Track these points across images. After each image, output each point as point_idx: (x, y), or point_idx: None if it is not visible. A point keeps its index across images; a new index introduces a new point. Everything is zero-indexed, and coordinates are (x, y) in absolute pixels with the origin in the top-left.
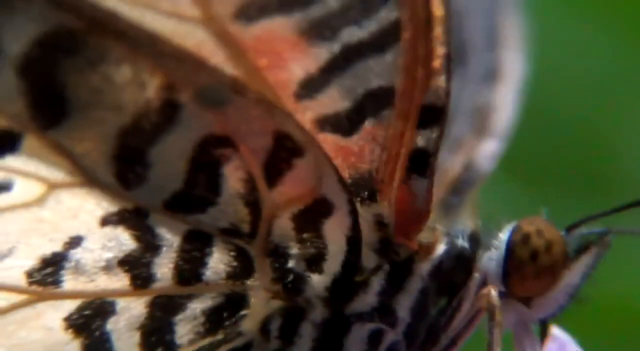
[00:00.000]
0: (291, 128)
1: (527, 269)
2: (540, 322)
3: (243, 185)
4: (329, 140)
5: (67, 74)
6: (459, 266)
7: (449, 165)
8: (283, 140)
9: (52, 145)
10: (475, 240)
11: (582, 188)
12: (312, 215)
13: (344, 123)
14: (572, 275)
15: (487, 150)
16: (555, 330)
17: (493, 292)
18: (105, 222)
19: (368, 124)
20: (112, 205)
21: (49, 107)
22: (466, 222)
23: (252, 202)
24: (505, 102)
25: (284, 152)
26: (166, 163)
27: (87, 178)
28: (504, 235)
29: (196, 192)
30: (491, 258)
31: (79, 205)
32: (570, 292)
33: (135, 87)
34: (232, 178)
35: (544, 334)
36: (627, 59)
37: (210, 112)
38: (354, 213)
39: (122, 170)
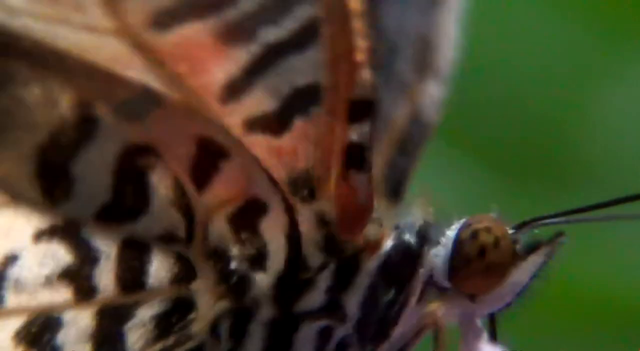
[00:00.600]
0: (213, 133)
1: (474, 266)
2: (488, 317)
3: (172, 192)
4: (260, 142)
5: None
6: (405, 262)
7: (393, 113)
8: (206, 145)
9: None
10: (423, 236)
11: (548, 178)
12: (247, 216)
13: (274, 123)
14: (520, 274)
15: (432, 96)
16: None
17: (439, 312)
18: (38, 238)
19: (298, 122)
20: (42, 221)
21: None
22: (415, 215)
23: (184, 207)
24: (446, 35)
25: (208, 156)
26: (90, 177)
27: (13, 196)
28: (451, 232)
29: (125, 203)
30: (437, 254)
31: (9, 224)
32: (517, 290)
33: (47, 105)
34: (160, 186)
35: (492, 329)
36: (593, 50)
37: (128, 124)
38: (290, 211)
39: (47, 187)
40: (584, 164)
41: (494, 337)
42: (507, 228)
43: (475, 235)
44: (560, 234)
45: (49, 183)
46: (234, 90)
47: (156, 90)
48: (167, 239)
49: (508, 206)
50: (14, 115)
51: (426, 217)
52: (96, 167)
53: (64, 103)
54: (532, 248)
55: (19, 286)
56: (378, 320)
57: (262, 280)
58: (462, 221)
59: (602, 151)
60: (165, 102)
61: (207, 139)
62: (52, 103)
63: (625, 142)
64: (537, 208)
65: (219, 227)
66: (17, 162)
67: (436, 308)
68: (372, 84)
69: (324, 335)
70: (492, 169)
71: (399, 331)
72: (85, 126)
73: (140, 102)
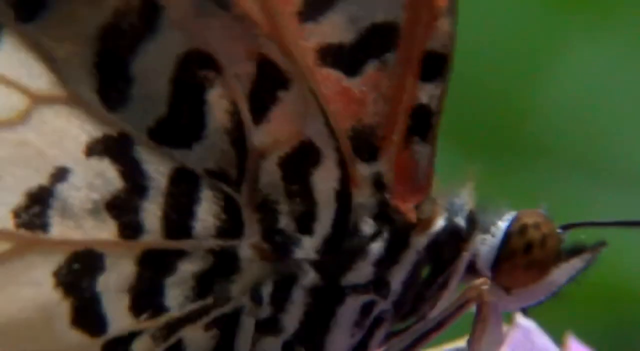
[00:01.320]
0: (275, 55)
1: (518, 260)
2: (520, 310)
3: (228, 119)
4: (331, 78)
5: None
6: (452, 244)
7: None
8: (267, 67)
9: (33, 46)
10: (473, 221)
11: (502, 150)
12: (300, 162)
13: (348, 59)
14: (560, 274)
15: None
16: (520, 318)
17: (485, 286)
18: (90, 151)
19: (372, 67)
20: (96, 129)
21: None
22: (465, 198)
23: (238, 139)
24: None
25: (267, 81)
26: (148, 80)
27: (70, 92)
28: (502, 223)
29: (180, 121)
30: (485, 242)
31: (64, 128)
32: (552, 290)
33: None
34: (217, 107)
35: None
36: (543, 23)
37: (193, 22)
38: (343, 165)
39: (104, 84)
40: (535, 136)
41: None
42: (555, 226)
43: (524, 230)
44: (602, 243)
45: (107, 79)
46: (314, 7)
47: None
48: (218, 175)
49: (463, 177)
50: None
51: (476, 202)
52: (155, 69)
53: None
54: (574, 252)
55: (66, 210)
56: (416, 298)
57: (308, 243)
58: (513, 213)
59: (555, 123)
60: (231, 5)
61: (270, 61)
62: None
63: (576, 113)
64: (492, 180)
65: (271, 171)
66: (78, 44)
67: (482, 282)
68: (451, 36)
69: (366, 309)
70: (447, 142)
71: (439, 308)
72: (149, 14)
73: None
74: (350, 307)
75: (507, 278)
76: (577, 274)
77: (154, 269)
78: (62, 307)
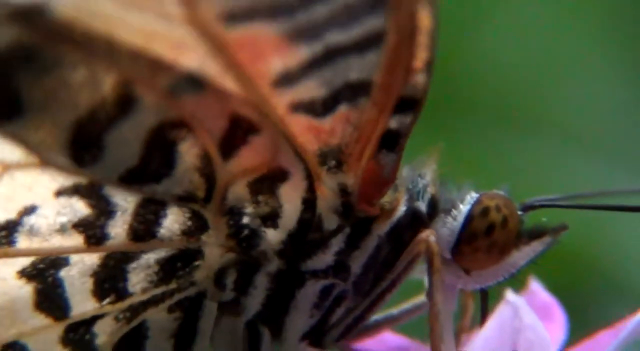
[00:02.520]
0: (248, 111)
1: (479, 242)
2: (480, 291)
3: (198, 160)
4: (301, 120)
5: (21, 79)
6: (413, 227)
7: None
8: (239, 121)
9: (7, 135)
10: (434, 205)
11: (441, 111)
12: (267, 182)
13: (319, 108)
14: (520, 257)
15: None
16: (509, 295)
17: (432, 237)
18: (59, 193)
19: (342, 108)
20: (67, 179)
21: (3, 107)
22: (426, 179)
23: (207, 173)
24: None
25: (239, 131)
26: (121, 147)
27: (42, 160)
28: (463, 207)
29: (151, 168)
30: (446, 225)
31: (34, 181)
32: (511, 271)
33: (91, 87)
34: (187, 155)
35: (484, 302)
36: None
37: (166, 103)
38: (310, 178)
39: (77, 153)
40: (464, 92)
41: (485, 309)
42: (515, 207)
43: (485, 212)
44: (563, 226)
45: (80, 151)
46: (288, 79)
47: (202, 76)
48: (185, 199)
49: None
50: (58, 96)
51: (437, 183)
52: (128, 139)
53: (107, 84)
54: (535, 234)
55: (33, 231)
56: (375, 277)
57: (273, 236)
58: (474, 196)
59: (482, 79)
60: (207, 87)
61: (241, 117)
62: (95, 84)
63: (503, 69)
64: (424, 138)
65: (239, 191)
66: (53, 133)
67: (428, 233)
68: (425, 87)
69: (326, 292)
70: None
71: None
72: (124, 104)
73: (183, 86)
74: (310, 290)
75: (468, 259)
76: (537, 256)
77: (117, 258)
78: (26, 291)
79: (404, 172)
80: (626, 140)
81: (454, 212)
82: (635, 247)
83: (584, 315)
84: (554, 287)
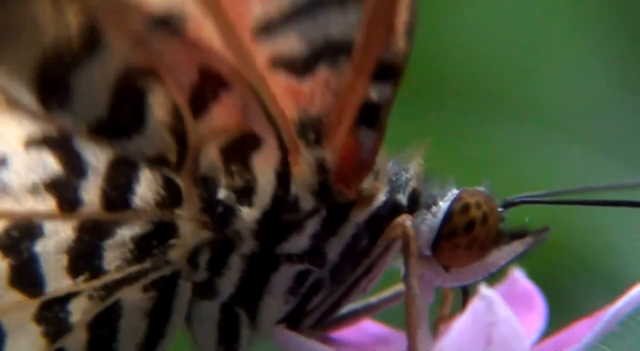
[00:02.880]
0: (219, 64)
1: (459, 239)
2: (462, 288)
3: (168, 116)
4: (280, 81)
5: None
6: (391, 218)
7: None
8: (209, 74)
9: None
10: (415, 200)
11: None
12: (240, 148)
13: (299, 66)
14: (500, 256)
15: None
16: (483, 289)
17: (408, 222)
18: (29, 144)
19: (323, 70)
20: (35, 128)
21: None
22: (409, 172)
23: (178, 132)
24: None
25: (209, 85)
26: (88, 92)
27: (8, 97)
28: (444, 203)
29: (120, 120)
30: (426, 222)
31: (1, 128)
32: (491, 270)
33: (56, 21)
34: (157, 108)
35: (465, 298)
36: None
37: (135, 48)
38: (284, 149)
39: (44, 94)
40: (441, 76)
41: (466, 304)
42: (496, 204)
43: (465, 209)
44: (546, 228)
45: (47, 90)
46: (269, 27)
47: (177, 19)
48: (157, 161)
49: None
50: (21, 31)
51: (420, 177)
52: (95, 83)
53: (72, 19)
54: (517, 234)
55: (4, 189)
56: (353, 267)
57: (248, 214)
58: (455, 192)
59: (457, 62)
60: (182, 33)
61: (211, 69)
62: (60, 20)
63: (478, 53)
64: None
65: (211, 156)
66: (18, 66)
67: (404, 218)
68: (405, 54)
69: (301, 277)
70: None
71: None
72: (90, 43)
73: (155, 28)
74: (284, 275)
75: (447, 256)
76: (518, 257)
77: (92, 234)
78: (0, 267)
79: (389, 165)
80: (607, 126)
81: (434, 208)
82: (617, 235)
83: (565, 303)
84: (535, 275)
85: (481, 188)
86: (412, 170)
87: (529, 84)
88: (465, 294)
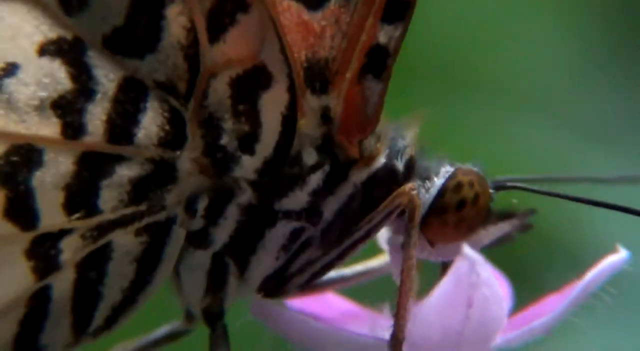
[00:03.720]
0: None
1: (448, 217)
2: (442, 264)
3: (184, 35)
4: (292, 9)
5: None
6: (386, 184)
7: None
8: None
9: None
10: (411, 168)
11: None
12: (250, 84)
13: None
14: (485, 236)
15: None
16: (466, 249)
17: (414, 191)
18: (43, 51)
19: (334, 3)
20: (52, 30)
21: None
22: (408, 143)
23: (192, 55)
24: None
25: (228, 3)
26: None
27: None
28: (438, 180)
29: (136, 32)
30: (419, 195)
31: (18, 25)
32: (475, 248)
33: None
34: (174, 23)
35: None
36: None
37: None
38: (293, 92)
39: None
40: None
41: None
42: (488, 185)
43: (459, 187)
44: (532, 210)
45: None
46: None
47: None
48: (167, 88)
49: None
50: None
51: (416, 146)
52: None
53: None
54: (504, 216)
55: (11, 103)
56: (344, 228)
57: (249, 162)
58: (450, 170)
59: (428, 44)
60: None
61: None
62: None
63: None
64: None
65: (220, 89)
66: None
67: (411, 187)
68: None
69: (295, 235)
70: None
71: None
72: None
73: None
74: (280, 231)
75: (435, 232)
76: (503, 237)
77: (92, 170)
78: None
79: (389, 129)
80: (573, 103)
81: (428, 183)
82: (586, 214)
83: (534, 282)
84: (503, 255)
85: (474, 168)
86: (408, 138)
87: (493, 62)
88: (445, 270)
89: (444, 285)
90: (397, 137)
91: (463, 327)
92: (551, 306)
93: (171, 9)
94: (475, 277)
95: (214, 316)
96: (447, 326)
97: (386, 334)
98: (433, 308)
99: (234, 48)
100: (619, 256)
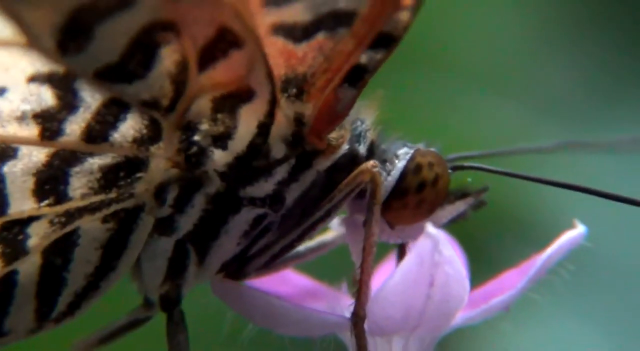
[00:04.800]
0: (233, 23)
1: (408, 199)
2: (399, 245)
3: (175, 66)
4: (278, 43)
5: None
6: (348, 168)
7: None
8: (225, 33)
9: (4, 9)
10: (372, 151)
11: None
12: (232, 100)
13: (298, 33)
14: (442, 215)
15: None
16: (429, 228)
17: (376, 169)
18: (32, 79)
19: (320, 36)
20: (45, 66)
21: None
22: (368, 126)
23: (179, 81)
24: None
25: (223, 43)
26: (109, 40)
27: (29, 40)
28: (399, 162)
29: (129, 67)
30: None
31: (13, 62)
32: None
33: None
34: (167, 59)
35: (401, 256)
36: None
37: (165, 3)
38: (272, 104)
39: (65, 39)
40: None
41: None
42: (447, 166)
43: (418, 169)
44: (485, 188)
45: (69, 35)
46: (279, 2)
47: None
48: (150, 105)
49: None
50: None
51: (375, 128)
52: (118, 33)
53: None
54: (459, 195)
55: None
56: (303, 213)
57: (220, 157)
58: (409, 152)
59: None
60: None
61: (228, 29)
62: None
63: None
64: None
65: (202, 105)
66: (51, 15)
67: (373, 164)
68: (406, 26)
69: (257, 221)
70: None
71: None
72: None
73: None
74: (243, 218)
75: (395, 214)
76: (460, 216)
77: (63, 160)
78: None
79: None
80: (526, 78)
81: (389, 165)
82: (538, 189)
83: (490, 258)
84: (458, 230)
85: (432, 149)
86: (368, 121)
87: (445, 37)
88: (403, 251)
89: (407, 264)
90: (356, 121)
91: (425, 306)
92: (510, 283)
93: (167, 48)
94: (438, 256)
95: (171, 303)
96: (409, 304)
97: (346, 312)
98: (395, 287)
99: (222, 75)
100: (578, 231)
